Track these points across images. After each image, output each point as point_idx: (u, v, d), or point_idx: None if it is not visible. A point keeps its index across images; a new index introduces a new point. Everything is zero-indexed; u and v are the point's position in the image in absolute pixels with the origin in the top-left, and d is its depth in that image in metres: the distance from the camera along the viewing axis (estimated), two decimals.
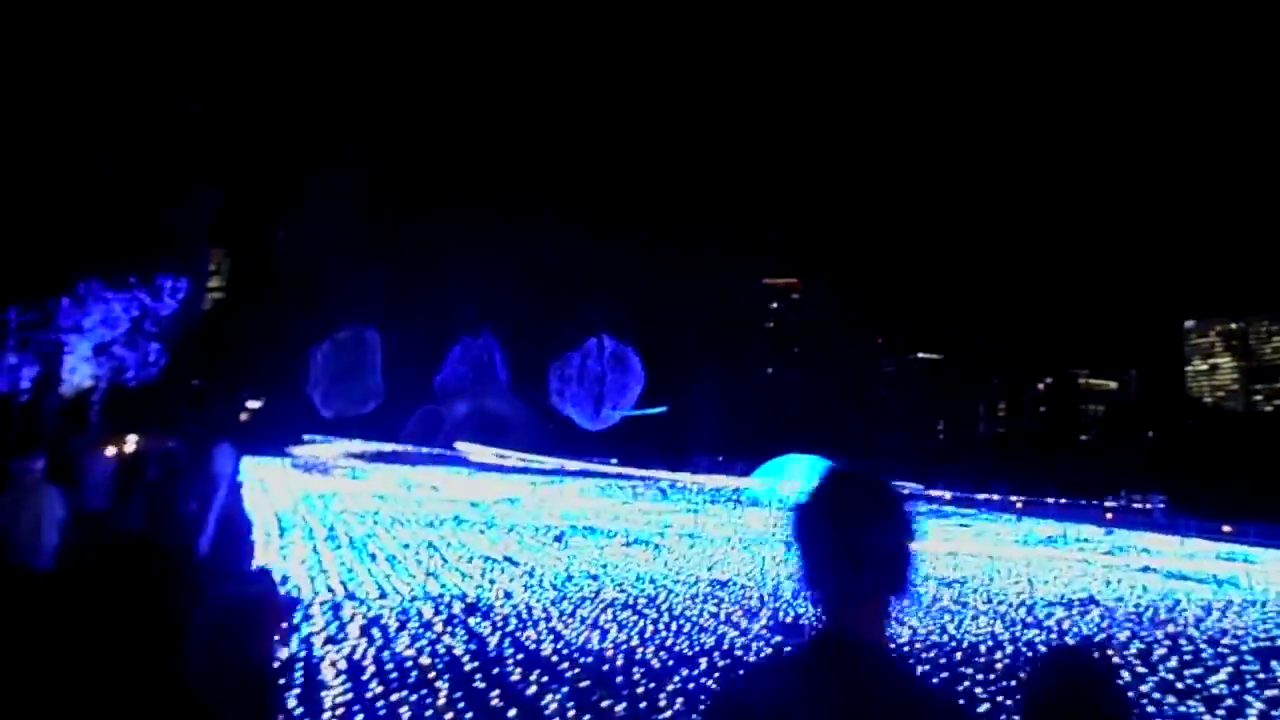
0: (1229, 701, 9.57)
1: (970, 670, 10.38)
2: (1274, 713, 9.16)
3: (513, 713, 7.95)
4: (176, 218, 32.76)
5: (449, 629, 11.16)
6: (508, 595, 13.77)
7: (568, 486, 42.19)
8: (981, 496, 50.45)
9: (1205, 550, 28.31)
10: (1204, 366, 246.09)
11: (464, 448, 52.77)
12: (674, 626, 12.08)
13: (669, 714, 8.16)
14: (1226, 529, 38.91)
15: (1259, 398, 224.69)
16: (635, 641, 11.06)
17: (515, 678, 9.07)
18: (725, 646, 10.98)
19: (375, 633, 10.73)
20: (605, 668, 9.63)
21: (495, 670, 9.31)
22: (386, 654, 9.74)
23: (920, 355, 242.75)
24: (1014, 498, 50.20)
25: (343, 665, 9.15)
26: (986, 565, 21.57)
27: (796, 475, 46.41)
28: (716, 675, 9.54)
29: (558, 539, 20.77)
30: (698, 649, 10.79)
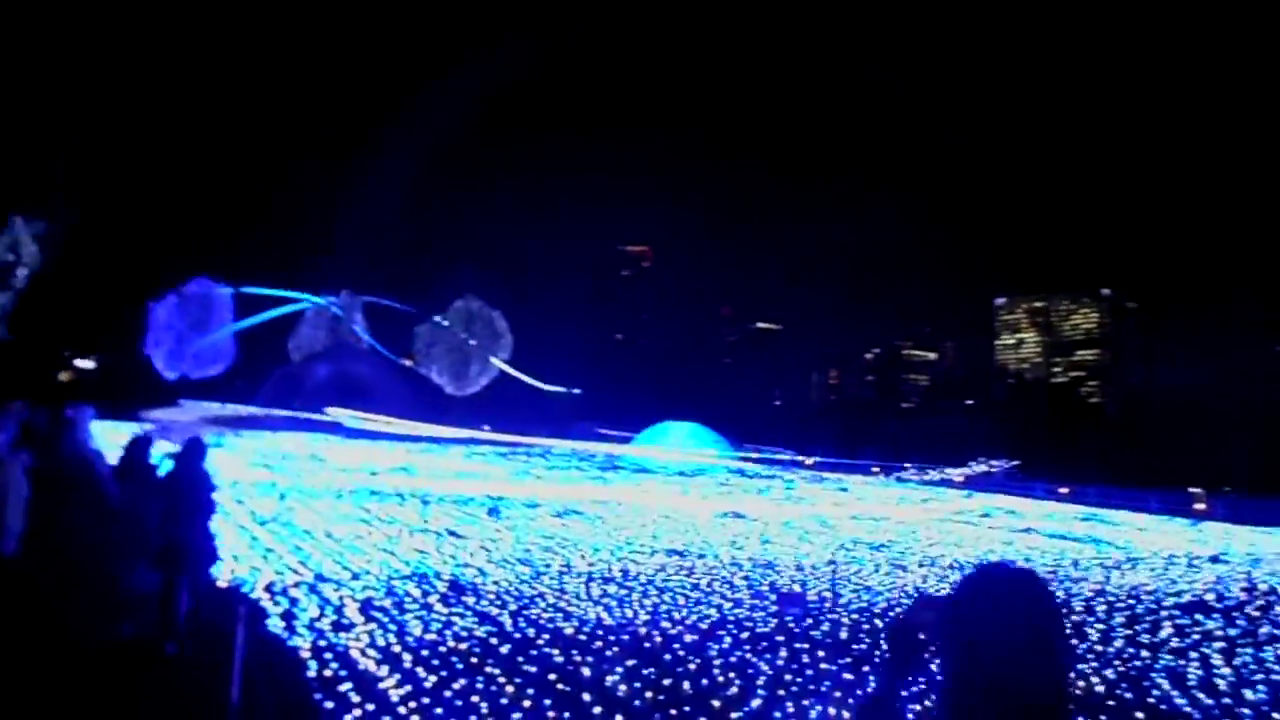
0: (1194, 656, 10.53)
1: None
2: (1239, 664, 10.18)
3: (586, 696, 7.91)
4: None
5: (452, 610, 10.89)
6: (482, 573, 13.52)
7: (450, 453, 41.49)
8: (843, 461, 52.86)
9: (1064, 512, 30.77)
10: (1011, 341, 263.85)
11: (335, 413, 50.86)
12: (669, 599, 12.22)
13: (735, 689, 8.31)
14: (1064, 490, 42.28)
15: (1058, 369, 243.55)
16: (645, 615, 11.13)
17: (559, 659, 9.00)
18: (734, 619, 11.19)
19: (381, 616, 10.37)
20: (646, 645, 9.67)
21: (533, 652, 9.19)
22: (410, 639, 9.45)
23: (761, 325, 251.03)
24: (871, 463, 52.94)
25: (374, 654, 8.82)
26: (890, 529, 22.68)
27: (677, 442, 47.31)
28: (748, 648, 9.75)
29: (491, 512, 20.48)
30: (710, 621, 10.96)
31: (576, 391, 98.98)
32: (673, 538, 18.52)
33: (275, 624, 9.76)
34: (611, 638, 9.96)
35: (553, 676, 8.42)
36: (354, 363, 62.78)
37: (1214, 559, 19.82)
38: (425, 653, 8.97)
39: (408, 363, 70.12)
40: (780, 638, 10.36)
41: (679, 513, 23.30)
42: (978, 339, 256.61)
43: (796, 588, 13.49)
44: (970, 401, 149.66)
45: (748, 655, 9.50)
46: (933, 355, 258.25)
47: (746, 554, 16.91)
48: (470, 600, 11.51)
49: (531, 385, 74.58)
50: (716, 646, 9.83)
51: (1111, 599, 14.03)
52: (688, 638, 10.11)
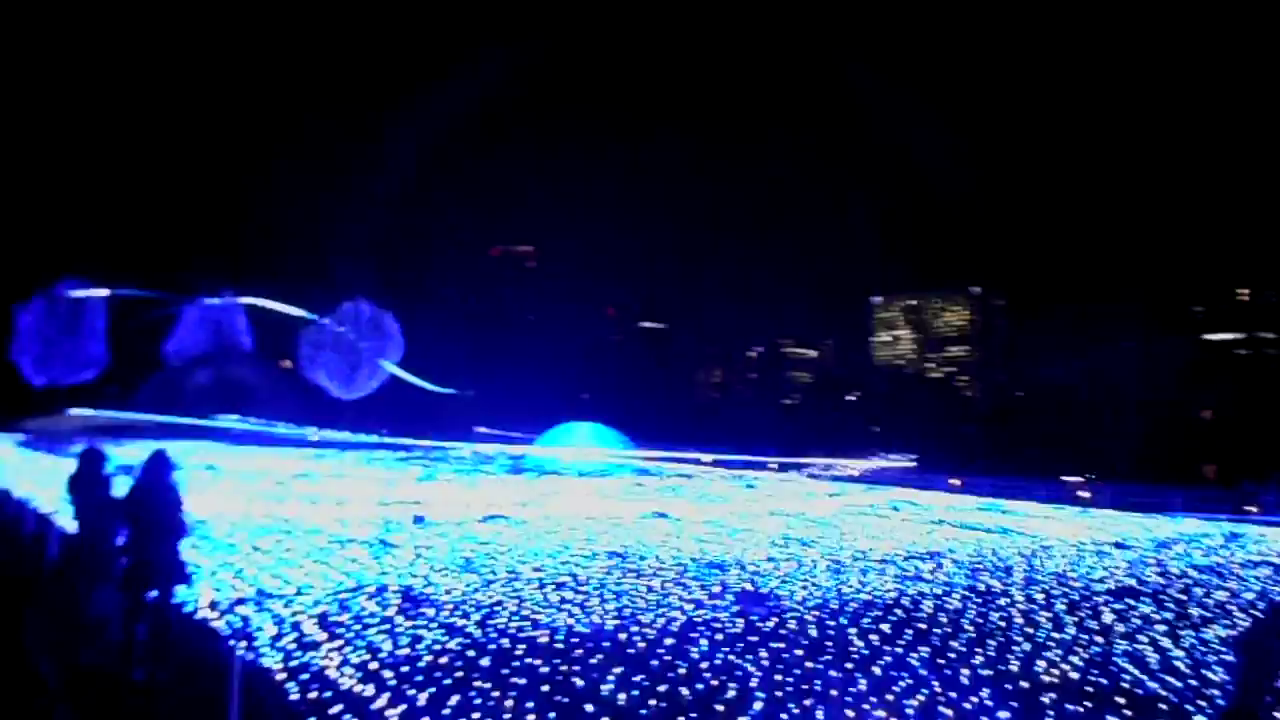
0: (1144, 640, 11.00)
1: (951, 623, 11.23)
2: (1187, 645, 10.69)
3: (589, 707, 7.71)
4: None
5: (415, 623, 10.48)
6: (430, 582, 13.07)
7: (348, 458, 40.16)
8: (738, 458, 53.58)
9: (964, 503, 31.93)
10: (888, 338, 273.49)
11: (224, 420, 48.59)
12: (628, 602, 12.06)
13: (732, 692, 8.23)
14: (954, 481, 43.94)
15: (931, 365, 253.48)
16: (613, 620, 10.95)
17: (545, 669, 8.75)
18: (701, 620, 11.12)
19: (345, 632, 9.89)
20: (629, 650, 9.49)
21: (516, 663, 8.92)
22: (385, 655, 9.05)
23: (646, 325, 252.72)
24: (769, 459, 53.92)
25: (353, 673, 8.41)
26: (812, 525, 23.03)
27: (581, 442, 47.10)
28: (727, 649, 9.69)
29: (417, 520, 19.84)
30: (678, 624, 10.86)
31: (469, 394, 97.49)
32: (608, 540, 18.33)
33: (235, 645, 9.16)
34: (590, 644, 9.76)
35: (546, 688, 8.18)
36: (236, 367, 60.20)
37: (1118, 545, 20.84)
38: (406, 669, 8.59)
39: (286, 364, 67.89)
40: (754, 638, 10.34)
41: (603, 515, 23.12)
42: (856, 336, 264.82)
43: (749, 586, 13.53)
44: (853, 397, 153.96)
45: (731, 657, 9.45)
46: (813, 353, 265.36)
47: (687, 554, 16.88)
48: (430, 612, 11.10)
49: (421, 388, 73.11)
50: (695, 649, 9.74)
51: (1044, 587, 14.57)
52: (667, 641, 10.00)
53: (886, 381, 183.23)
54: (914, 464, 49.84)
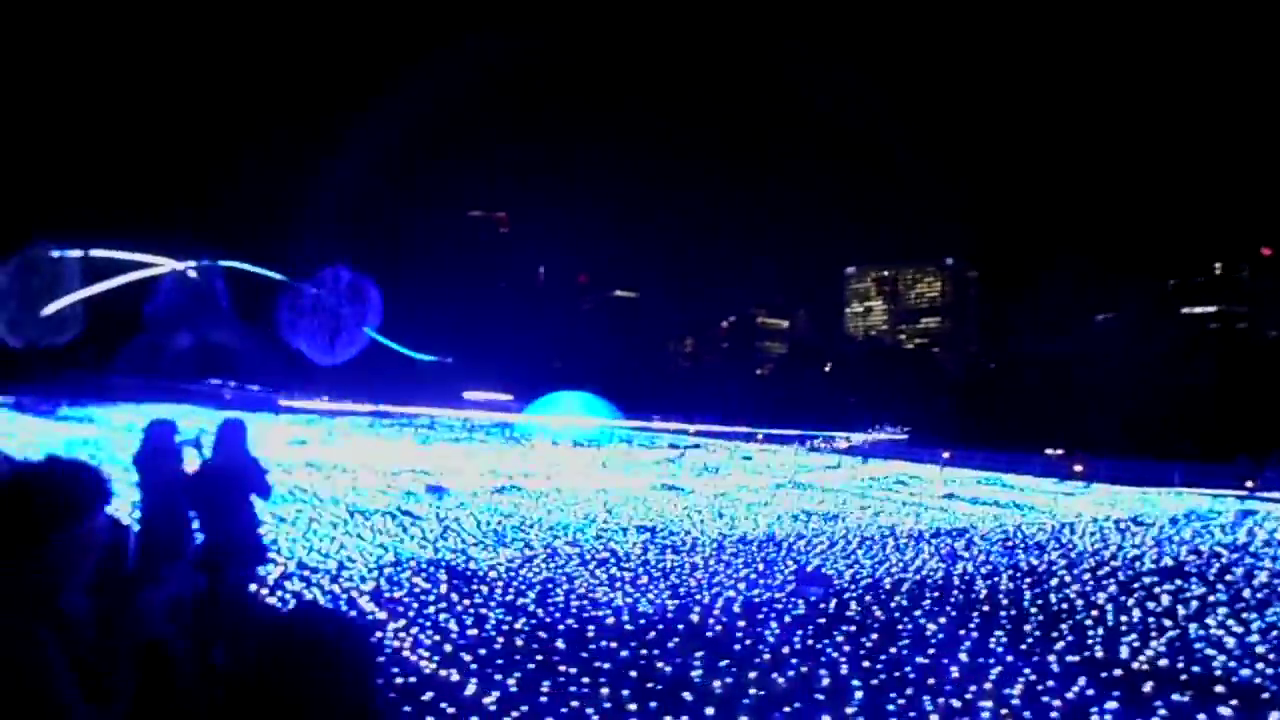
0: (1213, 623, 10.81)
1: (1016, 605, 10.98)
2: (1259, 628, 10.52)
3: (687, 695, 7.37)
4: None
5: (474, 601, 10.09)
6: (468, 556, 12.67)
7: (338, 425, 39.48)
8: (727, 430, 53.44)
9: (965, 477, 31.94)
10: (860, 309, 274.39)
11: (215, 383, 47.57)
12: (678, 580, 11.73)
13: (826, 678, 7.92)
14: (945, 454, 44.03)
15: (903, 336, 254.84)
16: (673, 601, 10.61)
17: (625, 653, 8.38)
18: (759, 600, 10.80)
19: (405, 611, 9.49)
20: (708, 634, 9.15)
21: (593, 646, 8.56)
22: (455, 636, 8.65)
23: (618, 293, 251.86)
24: (755, 430, 53.79)
25: (429, 655, 8.01)
26: (824, 499, 22.86)
27: (571, 411, 46.66)
28: (801, 632, 9.38)
29: (433, 490, 19.37)
30: (749, 606, 10.54)
31: (449, 360, 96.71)
32: (631, 514, 18.01)
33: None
34: (662, 626, 9.40)
35: (634, 673, 7.83)
36: (216, 331, 58.92)
37: (1135, 521, 20.81)
38: (483, 651, 8.21)
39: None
40: (821, 620, 10.04)
41: (614, 486, 22.78)
42: (828, 307, 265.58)
43: (787, 565, 13.25)
44: (827, 368, 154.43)
45: (810, 642, 9.12)
46: (785, 323, 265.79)
47: (713, 529, 16.60)
48: (484, 590, 10.70)
49: (401, 354, 72.14)
50: (769, 632, 9.42)
51: (1085, 566, 14.41)
52: (740, 624, 9.66)
53: (861, 353, 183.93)
54: (906, 437, 49.78)
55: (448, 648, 8.26)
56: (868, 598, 11.26)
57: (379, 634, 8.57)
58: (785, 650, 8.76)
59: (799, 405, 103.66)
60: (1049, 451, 60.60)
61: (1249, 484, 34.02)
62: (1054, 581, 12.85)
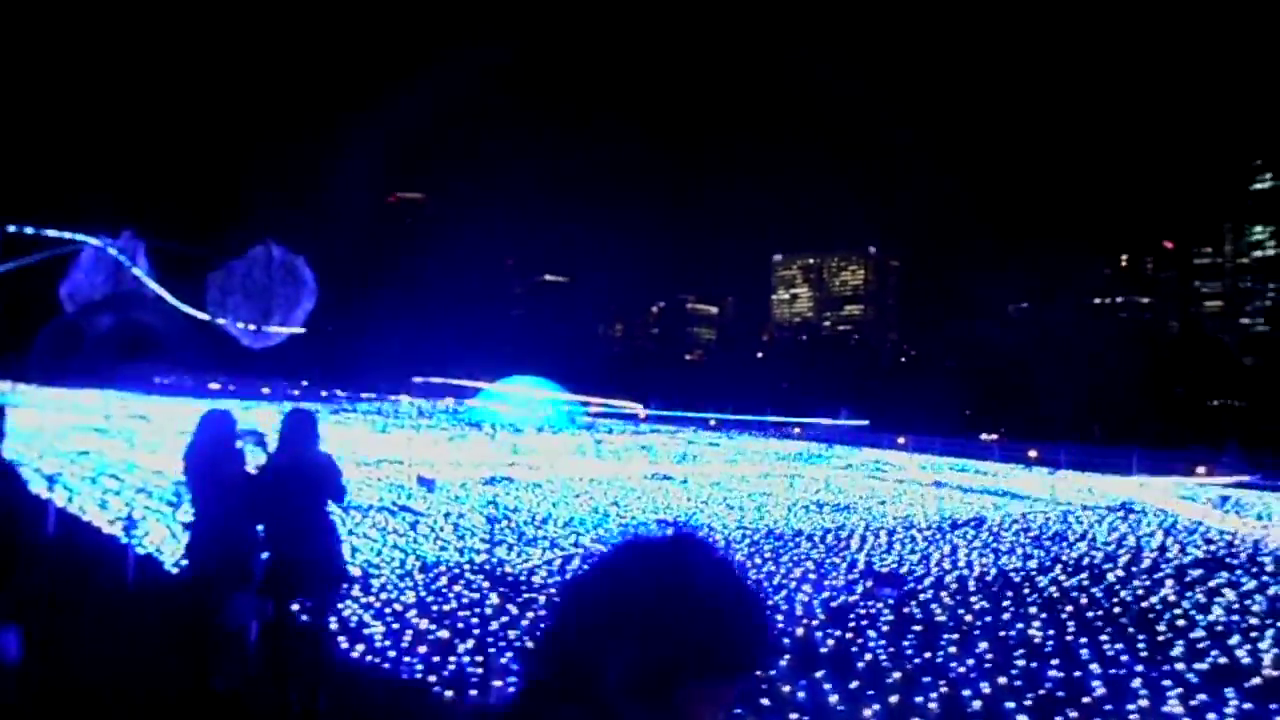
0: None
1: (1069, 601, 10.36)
2: None
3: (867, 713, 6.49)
4: None
5: (534, 611, 9.04)
6: (503, 560, 11.58)
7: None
8: (679, 415, 52.74)
9: (934, 463, 31.73)
10: (786, 295, 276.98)
11: (139, 368, 44.92)
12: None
13: (944, 686, 7.12)
14: (901, 440, 44.03)
15: (828, 323, 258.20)
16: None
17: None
18: (827, 604, 9.97)
19: (477, 621, 8.40)
20: (803, 644, 8.26)
21: None
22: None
23: (548, 278, 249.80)
24: (710, 417, 53.24)
25: None
26: (820, 488, 22.24)
27: (528, 395, 45.38)
28: (888, 640, 8.57)
29: (423, 483, 18.08)
30: (831, 610, 9.69)
31: (379, 344, 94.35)
32: (639, 506, 17.07)
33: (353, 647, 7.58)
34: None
35: (752, 694, 6.91)
36: (139, 313, 55.85)
37: (1125, 508, 20.65)
38: None
39: None
40: (918, 627, 9.23)
41: (606, 476, 21.79)
42: (756, 293, 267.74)
43: (838, 560, 12.49)
44: (760, 354, 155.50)
45: (926, 654, 8.30)
46: (714, 309, 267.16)
47: (731, 521, 15.76)
48: (538, 598, 9.64)
49: (332, 337, 69.85)
50: (872, 641, 8.58)
51: (1127, 558, 13.97)
52: (834, 632, 8.79)
53: (794, 338, 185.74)
54: (866, 423, 49.85)
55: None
56: (945, 598, 10.53)
57: (458, 652, 7.50)
58: (906, 665, 7.93)
59: (739, 391, 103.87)
60: (984, 437, 61.47)
61: (1200, 469, 34.65)
62: (1111, 578, 12.32)
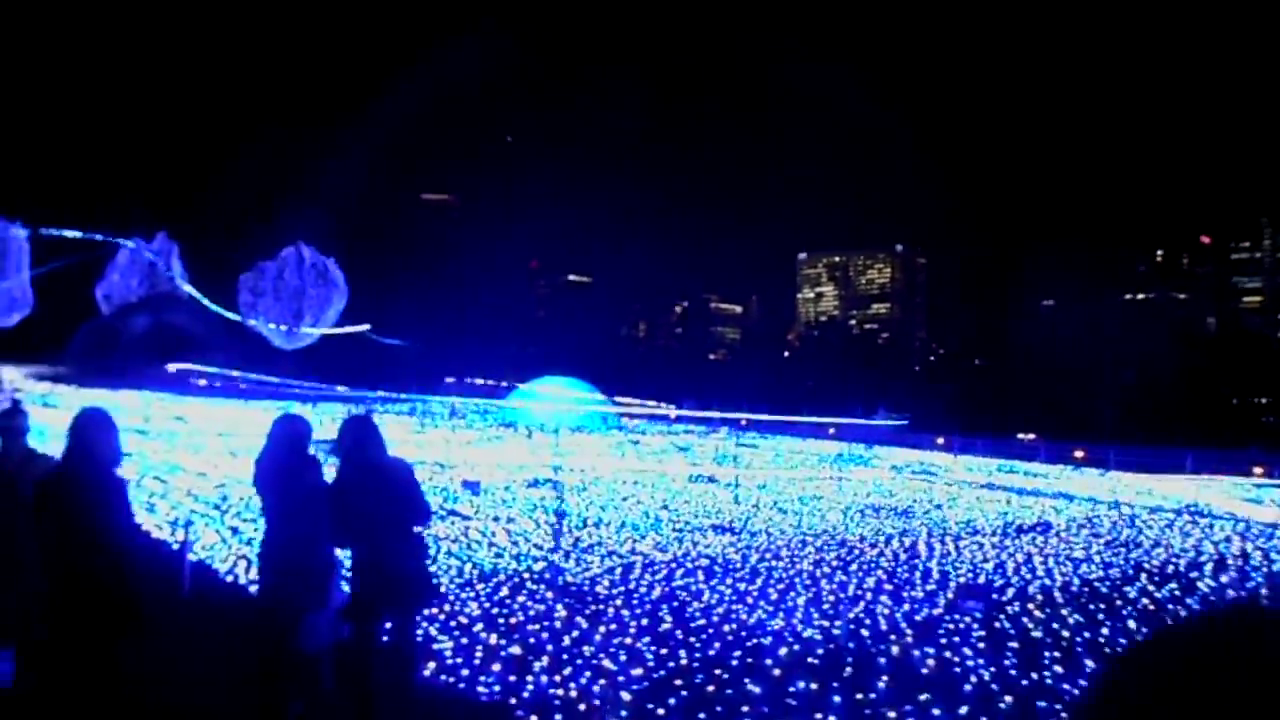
0: None
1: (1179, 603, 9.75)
2: None
3: None
4: None
5: (625, 628, 8.54)
6: (554, 566, 11.11)
7: (321, 410, 37.30)
8: (703, 416, 52.07)
9: (981, 465, 30.94)
10: (811, 294, 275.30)
11: (177, 368, 44.98)
12: (829, 596, 10.26)
13: None
14: (940, 440, 43.20)
15: (854, 322, 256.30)
16: (820, 619, 9.14)
17: (884, 686, 6.92)
18: (910, 618, 9.39)
19: (570, 643, 7.91)
20: (905, 664, 7.70)
21: (836, 679, 7.06)
22: (664, 672, 7.10)
23: (572, 278, 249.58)
24: (742, 417, 52.55)
25: (637, 688, 6.48)
26: (870, 489, 21.63)
27: (562, 396, 44.98)
28: (990, 663, 7.98)
29: (468, 485, 17.66)
30: (916, 626, 9.12)
31: (407, 344, 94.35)
32: (690, 510, 16.55)
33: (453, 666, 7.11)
34: (852, 660, 7.90)
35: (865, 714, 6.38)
36: (174, 313, 56.08)
37: (1192, 512, 19.87)
38: (672, 701, 6.68)
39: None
40: (1015, 644, 8.63)
41: (647, 477, 21.28)
42: (781, 292, 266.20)
43: (907, 570, 11.90)
44: (787, 354, 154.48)
45: (1030, 671, 7.72)
46: (739, 308, 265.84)
47: (788, 527, 15.21)
48: (607, 610, 9.14)
49: (363, 337, 69.84)
50: (953, 660, 8.01)
51: (1211, 565, 13.29)
52: (929, 649, 8.21)
53: (823, 338, 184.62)
54: (905, 423, 49.04)
55: (626, 696, 6.72)
56: (1034, 610, 9.92)
57: (534, 671, 7.01)
58: (1015, 688, 7.35)
59: (768, 391, 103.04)
60: (1021, 436, 60.37)
61: (1258, 470, 33.61)
62: (1202, 587, 11.68)
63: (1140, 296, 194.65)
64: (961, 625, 9.18)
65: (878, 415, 51.63)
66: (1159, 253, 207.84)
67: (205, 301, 59.42)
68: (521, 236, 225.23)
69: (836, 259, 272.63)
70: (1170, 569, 12.83)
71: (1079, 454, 37.88)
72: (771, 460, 28.59)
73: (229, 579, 9.62)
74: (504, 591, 9.74)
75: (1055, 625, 9.31)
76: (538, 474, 20.28)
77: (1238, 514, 19.91)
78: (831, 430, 50.40)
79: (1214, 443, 46.70)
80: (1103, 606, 10.24)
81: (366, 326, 66.94)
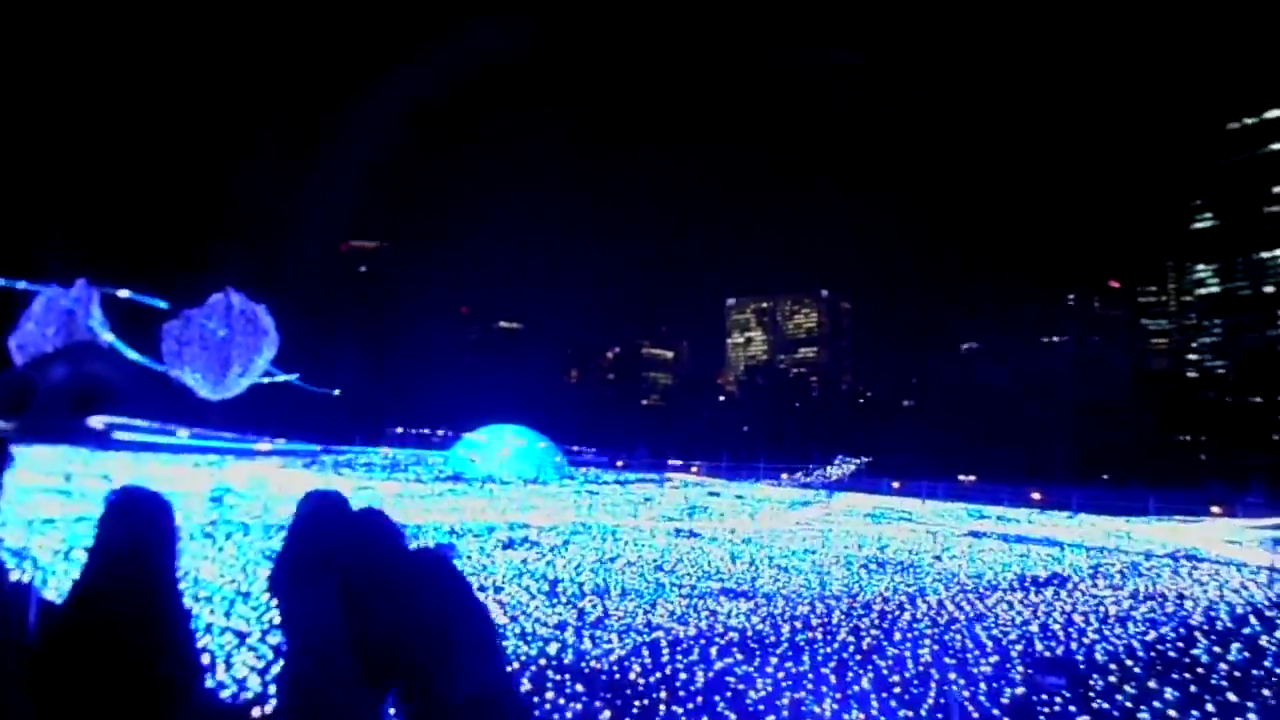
0: None
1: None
2: None
3: None
4: None
5: (699, 714, 7.26)
6: (580, 654, 9.76)
7: (268, 463, 35.19)
8: (656, 462, 50.98)
9: (951, 510, 30.32)
10: (741, 339, 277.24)
11: (96, 423, 42.01)
12: (886, 673, 9.11)
13: None
14: (896, 484, 42.74)
15: (782, 366, 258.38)
16: (906, 711, 7.98)
17: None
18: (1015, 699, 8.30)
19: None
20: None
21: None
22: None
23: (503, 324, 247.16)
24: (690, 463, 51.54)
25: None
26: (853, 540, 20.66)
27: (499, 449, 43.33)
28: None
29: (442, 549, 16.07)
30: (1004, 709, 8.02)
31: (336, 392, 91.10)
32: (686, 569, 15.29)
33: None
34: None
35: None
36: (94, 364, 52.82)
37: (1190, 558, 19.36)
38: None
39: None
40: None
41: (632, 531, 19.97)
42: (710, 337, 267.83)
43: (952, 637, 10.84)
44: (721, 398, 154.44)
45: None
46: (670, 354, 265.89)
47: (794, 586, 14.07)
48: (677, 708, 7.84)
49: (292, 387, 67.04)
50: None
51: (1257, 619, 12.54)
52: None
53: (756, 383, 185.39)
54: (863, 469, 48.50)
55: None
56: (1118, 683, 8.90)
57: None
58: None
59: (711, 437, 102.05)
60: (960, 478, 60.47)
61: (1215, 509, 33.68)
62: (1265, 643, 10.84)
63: (1055, 340, 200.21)
64: (1053, 706, 8.11)
65: (835, 462, 51.07)
66: (1070, 297, 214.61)
67: (127, 351, 56.50)
68: (452, 283, 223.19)
69: (764, 304, 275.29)
70: (1219, 625, 12.02)
71: (1036, 495, 37.69)
72: (746, 510, 27.54)
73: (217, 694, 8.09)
74: (525, 684, 8.36)
75: (1154, 703, 8.31)
76: (509, 534, 18.81)
77: (1233, 559, 19.43)
78: (784, 476, 49.65)
79: (1159, 483, 47.20)
80: (1187, 677, 9.29)
81: (295, 376, 64.53)
